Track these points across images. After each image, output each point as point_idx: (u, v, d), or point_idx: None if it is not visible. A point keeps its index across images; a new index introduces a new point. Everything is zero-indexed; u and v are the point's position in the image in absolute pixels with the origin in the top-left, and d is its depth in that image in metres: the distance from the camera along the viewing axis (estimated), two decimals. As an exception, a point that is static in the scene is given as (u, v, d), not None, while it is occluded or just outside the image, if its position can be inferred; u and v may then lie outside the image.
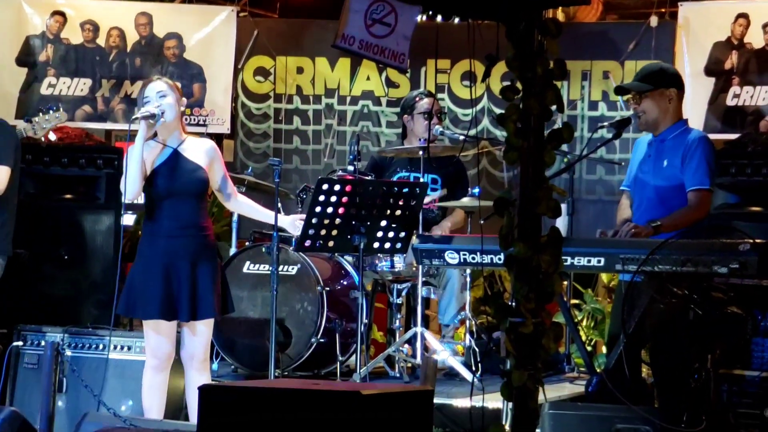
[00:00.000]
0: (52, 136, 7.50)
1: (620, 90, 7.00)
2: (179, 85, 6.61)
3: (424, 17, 10.44)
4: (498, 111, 10.02)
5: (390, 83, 10.53)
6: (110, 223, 8.24)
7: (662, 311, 5.72)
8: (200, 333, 6.37)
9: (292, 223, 6.85)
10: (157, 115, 6.30)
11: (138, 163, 6.27)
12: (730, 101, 9.94)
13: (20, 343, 7.35)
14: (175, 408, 6.80)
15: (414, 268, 7.58)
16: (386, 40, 9.85)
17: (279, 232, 6.95)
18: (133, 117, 6.30)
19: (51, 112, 7.24)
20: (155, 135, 6.40)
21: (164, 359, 6.39)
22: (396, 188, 7.13)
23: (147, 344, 6.41)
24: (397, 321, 7.87)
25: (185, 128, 6.54)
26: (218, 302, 6.36)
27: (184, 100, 6.55)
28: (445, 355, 7.47)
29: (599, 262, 6.07)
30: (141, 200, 10.52)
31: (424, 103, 8.34)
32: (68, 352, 7.19)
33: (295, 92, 10.63)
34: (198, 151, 6.44)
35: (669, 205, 6.46)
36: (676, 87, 6.58)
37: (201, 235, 6.37)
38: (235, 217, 8.28)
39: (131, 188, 6.30)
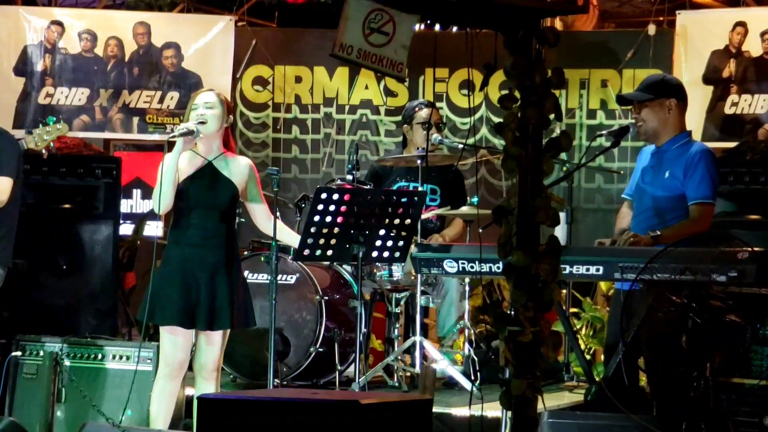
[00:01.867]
0: (51, 146, 7.49)
1: (621, 100, 7.01)
2: (229, 100, 6.57)
3: (423, 26, 10.44)
4: (496, 120, 10.02)
5: (388, 92, 10.54)
6: (108, 232, 8.24)
7: (661, 320, 5.72)
8: (214, 343, 6.37)
9: None
10: (196, 132, 6.28)
11: (173, 176, 6.27)
12: (728, 109, 9.94)
13: (19, 353, 7.33)
14: (175, 418, 6.79)
15: (412, 277, 7.58)
16: (384, 49, 9.83)
17: (278, 241, 6.95)
18: (170, 136, 6.26)
19: (52, 124, 7.23)
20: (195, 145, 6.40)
21: (176, 367, 6.37)
22: (395, 197, 7.12)
23: (161, 351, 6.40)
24: (396, 330, 7.87)
25: (232, 145, 6.51)
26: (237, 314, 6.35)
27: (231, 117, 6.52)
28: (443, 364, 7.46)
29: (598, 270, 6.08)
30: (143, 209, 10.59)
31: (423, 113, 8.34)
32: (67, 362, 7.18)
33: (293, 101, 10.63)
34: (234, 167, 6.42)
35: (666, 216, 6.47)
36: (677, 97, 6.58)
37: (225, 246, 6.36)
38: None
39: (164, 201, 6.26)
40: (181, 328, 6.29)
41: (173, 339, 6.32)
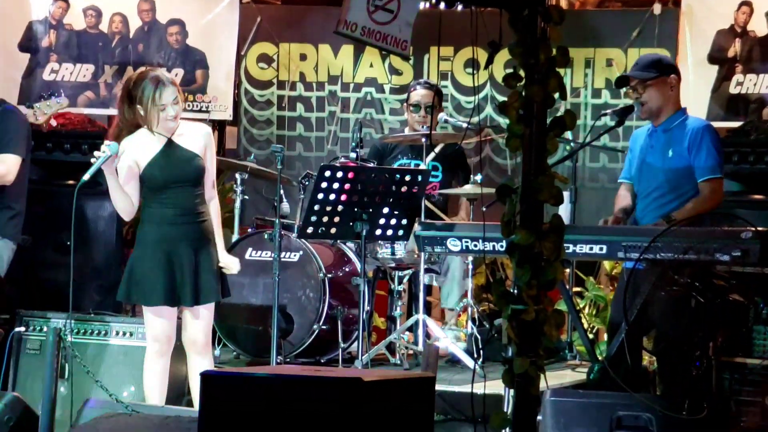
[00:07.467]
0: (54, 122, 7.48)
1: (621, 82, 6.95)
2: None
3: (427, 4, 10.42)
4: (501, 98, 10.00)
5: (393, 70, 10.51)
6: (112, 209, 8.20)
7: (664, 299, 5.73)
8: (202, 317, 6.38)
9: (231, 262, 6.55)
10: (111, 154, 6.27)
11: (119, 194, 6.34)
12: (733, 89, 9.92)
13: (22, 328, 7.34)
14: (177, 394, 6.81)
15: (416, 255, 7.58)
16: (389, 26, 9.82)
17: (281, 219, 6.94)
18: (86, 176, 6.29)
19: (53, 98, 7.23)
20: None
21: (165, 343, 6.40)
22: (398, 175, 7.13)
23: (148, 330, 6.43)
24: (398, 308, 7.88)
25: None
26: (219, 286, 6.38)
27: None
28: (446, 342, 7.47)
29: (601, 249, 6.08)
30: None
31: (416, 94, 8.38)
32: (70, 338, 7.18)
33: (298, 79, 10.61)
34: (193, 137, 6.40)
35: (680, 190, 6.51)
36: (676, 74, 6.69)
37: (200, 220, 6.38)
38: (237, 204, 8.26)
39: (122, 214, 6.49)
40: (166, 306, 6.32)
41: (159, 317, 6.34)
